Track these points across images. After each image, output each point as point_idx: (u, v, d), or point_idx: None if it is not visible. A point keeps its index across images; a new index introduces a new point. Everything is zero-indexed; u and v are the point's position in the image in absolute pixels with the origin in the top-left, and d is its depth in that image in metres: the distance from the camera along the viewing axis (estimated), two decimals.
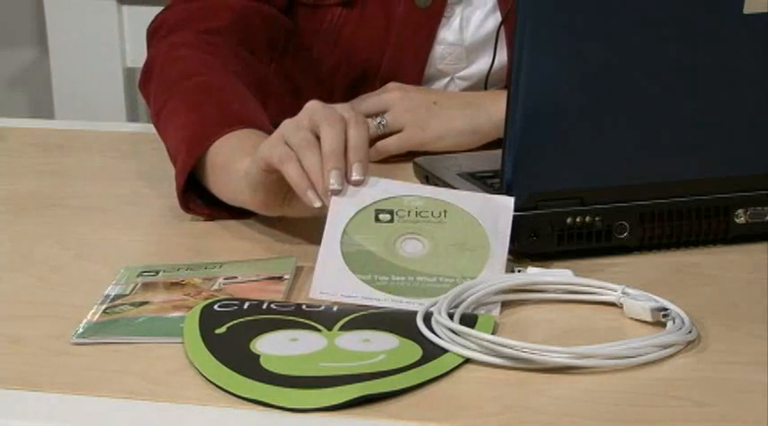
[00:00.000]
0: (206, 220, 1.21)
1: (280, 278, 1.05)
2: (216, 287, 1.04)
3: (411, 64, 1.46)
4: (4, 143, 1.53)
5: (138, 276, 1.07)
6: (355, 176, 1.06)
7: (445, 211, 1.06)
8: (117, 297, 1.03)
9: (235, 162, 1.15)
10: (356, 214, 1.05)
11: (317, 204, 1.05)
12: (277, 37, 1.47)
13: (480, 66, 1.47)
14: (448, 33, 1.46)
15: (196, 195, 1.22)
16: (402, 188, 1.08)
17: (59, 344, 0.95)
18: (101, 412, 0.86)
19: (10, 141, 1.53)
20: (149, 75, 1.37)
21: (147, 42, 1.43)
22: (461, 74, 1.48)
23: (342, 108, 1.09)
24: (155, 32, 1.42)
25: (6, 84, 3.00)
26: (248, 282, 1.04)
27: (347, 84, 1.49)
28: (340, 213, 1.05)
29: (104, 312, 1.00)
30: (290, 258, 1.09)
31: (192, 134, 1.21)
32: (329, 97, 1.50)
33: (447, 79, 1.48)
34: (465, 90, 1.48)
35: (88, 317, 0.99)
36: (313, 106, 1.10)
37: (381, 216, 1.05)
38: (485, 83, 1.46)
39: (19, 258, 1.15)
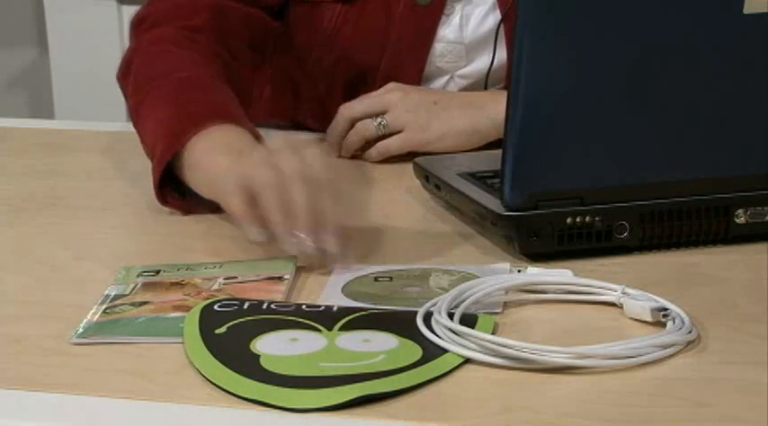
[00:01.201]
0: (183, 214, 1.21)
1: (280, 278, 1.05)
2: (216, 287, 1.04)
3: (411, 62, 1.46)
4: (4, 143, 1.53)
5: (138, 276, 1.07)
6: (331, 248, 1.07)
7: (444, 273, 1.06)
8: (117, 296, 1.03)
9: (215, 158, 1.15)
10: (355, 278, 1.06)
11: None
12: (261, 41, 1.46)
13: (480, 64, 1.47)
14: (448, 31, 1.46)
15: (173, 189, 1.22)
16: (400, 265, 1.09)
17: (59, 344, 0.95)
18: (101, 412, 0.86)
19: (10, 141, 1.53)
20: (128, 67, 1.37)
21: (129, 34, 1.43)
22: (461, 72, 1.48)
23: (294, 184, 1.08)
24: (137, 25, 1.42)
25: (6, 84, 3.00)
26: (248, 282, 1.04)
27: (346, 82, 1.49)
28: (338, 278, 1.06)
29: (104, 312, 1.00)
30: (290, 258, 1.09)
31: (172, 128, 1.21)
32: (328, 96, 1.50)
33: (447, 77, 1.48)
34: (465, 88, 1.48)
35: (88, 317, 0.99)
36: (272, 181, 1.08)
37: (381, 278, 1.06)
38: (485, 81, 1.46)
39: (19, 258, 1.15)
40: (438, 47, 1.46)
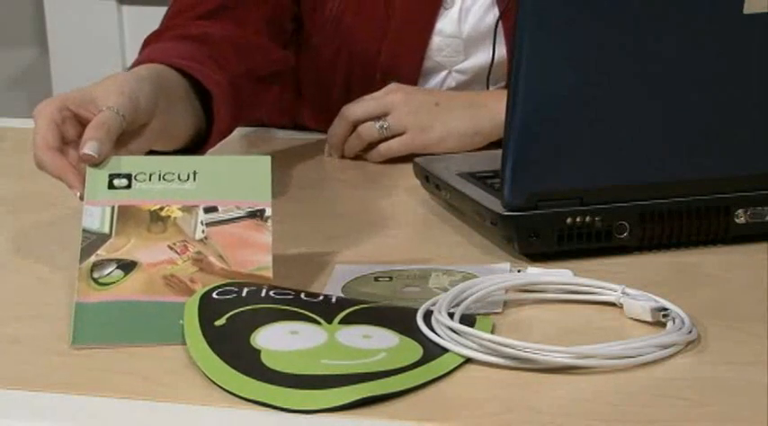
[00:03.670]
0: None
1: (261, 215, 1.04)
2: (200, 235, 1.03)
3: (409, 54, 1.46)
4: (4, 143, 1.53)
5: (109, 188, 1.06)
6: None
7: (444, 273, 1.06)
8: (97, 239, 1.02)
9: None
10: (355, 278, 1.06)
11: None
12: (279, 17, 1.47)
13: (478, 60, 1.47)
14: (446, 24, 1.46)
15: None
16: (400, 265, 1.09)
17: (59, 344, 0.95)
18: (101, 412, 0.86)
19: (10, 141, 1.53)
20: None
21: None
22: (459, 67, 1.48)
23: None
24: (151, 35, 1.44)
25: (6, 84, 3.00)
26: (231, 221, 1.04)
27: (346, 73, 1.49)
28: (338, 278, 1.06)
29: (97, 283, 0.99)
30: (265, 158, 1.08)
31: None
32: (327, 90, 1.50)
33: (445, 72, 1.48)
34: (463, 83, 1.48)
35: (77, 287, 0.99)
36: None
37: (380, 278, 1.06)
38: (486, 78, 1.46)
39: (19, 258, 1.15)
40: (436, 40, 1.46)
